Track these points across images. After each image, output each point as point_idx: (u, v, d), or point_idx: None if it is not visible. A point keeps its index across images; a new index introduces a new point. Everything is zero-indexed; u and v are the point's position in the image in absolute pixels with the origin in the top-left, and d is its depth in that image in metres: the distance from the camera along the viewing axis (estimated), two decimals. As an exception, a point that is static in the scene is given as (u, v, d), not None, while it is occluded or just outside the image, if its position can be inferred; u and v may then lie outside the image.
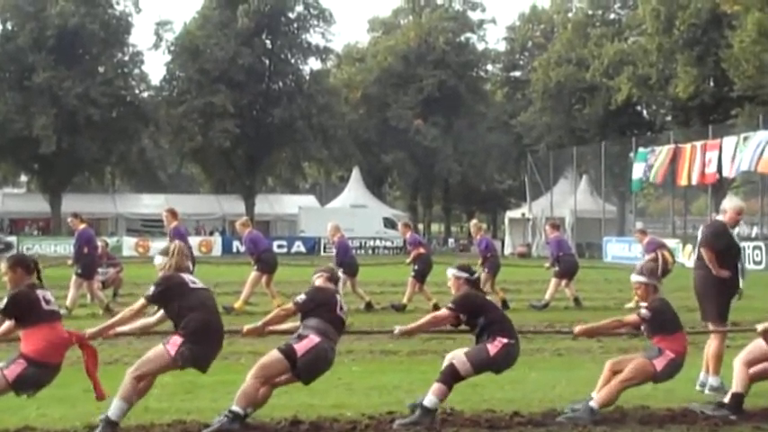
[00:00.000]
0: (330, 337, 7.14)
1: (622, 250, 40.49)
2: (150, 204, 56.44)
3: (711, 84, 44.23)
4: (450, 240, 63.17)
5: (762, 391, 8.02)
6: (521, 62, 67.35)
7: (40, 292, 6.52)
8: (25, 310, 6.42)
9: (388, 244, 49.70)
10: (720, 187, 41.37)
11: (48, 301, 6.52)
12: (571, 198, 47.68)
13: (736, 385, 7.72)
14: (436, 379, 7.27)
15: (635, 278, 7.96)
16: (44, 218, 54.12)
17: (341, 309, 7.37)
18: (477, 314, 7.49)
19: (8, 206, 55.12)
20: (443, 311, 7.75)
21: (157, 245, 42.06)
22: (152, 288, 6.87)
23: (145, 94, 56.19)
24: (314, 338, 6.99)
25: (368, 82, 62.23)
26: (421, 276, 17.18)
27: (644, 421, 7.30)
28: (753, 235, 36.47)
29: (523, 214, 51.96)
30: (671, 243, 36.95)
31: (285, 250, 45.11)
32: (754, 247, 33.23)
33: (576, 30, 54.74)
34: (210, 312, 6.95)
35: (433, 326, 7.93)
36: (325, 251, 46.43)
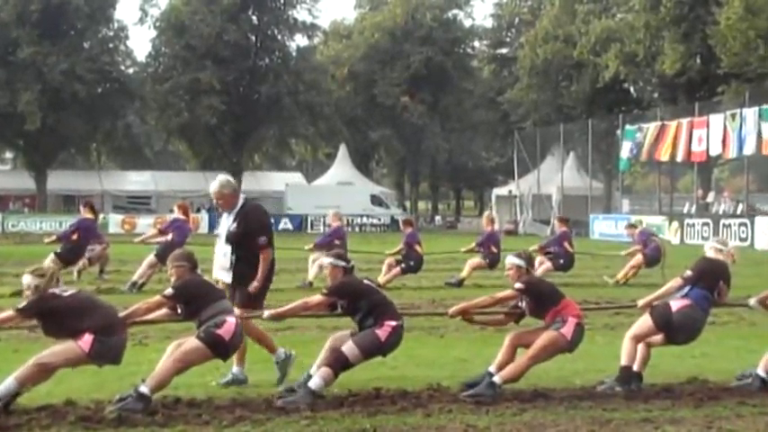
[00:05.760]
0: (233, 310, 7.41)
1: (609, 227, 40.61)
2: (136, 181, 56.30)
3: (698, 61, 44.28)
4: (437, 218, 63.25)
5: (745, 367, 8.05)
6: (508, 39, 67.14)
7: None
8: None
9: (375, 221, 49.71)
10: (706, 165, 41.48)
11: None
12: (558, 175, 47.76)
13: (623, 358, 7.63)
14: (323, 362, 7.28)
15: (510, 259, 7.87)
16: (30, 195, 53.90)
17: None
18: (357, 299, 7.51)
19: (-7, 183, 54.85)
20: (317, 297, 7.69)
21: (143, 221, 42.16)
22: (26, 303, 6.79)
23: (130, 71, 55.90)
24: (231, 321, 7.08)
25: (354, 59, 62.00)
26: (407, 272, 17.03)
27: (629, 397, 7.34)
28: (738, 212, 36.51)
29: (510, 191, 52.04)
30: (657, 220, 37.28)
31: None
32: (740, 224, 33.29)
33: (564, 6, 54.51)
34: (103, 306, 7.08)
35: (304, 311, 7.83)
36: (312, 228, 46.42)
